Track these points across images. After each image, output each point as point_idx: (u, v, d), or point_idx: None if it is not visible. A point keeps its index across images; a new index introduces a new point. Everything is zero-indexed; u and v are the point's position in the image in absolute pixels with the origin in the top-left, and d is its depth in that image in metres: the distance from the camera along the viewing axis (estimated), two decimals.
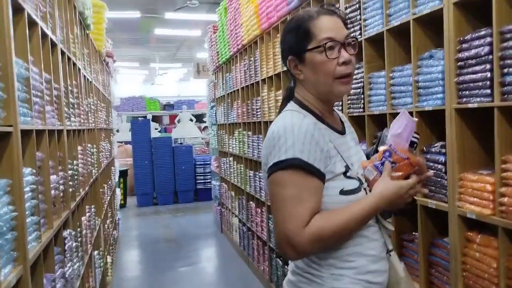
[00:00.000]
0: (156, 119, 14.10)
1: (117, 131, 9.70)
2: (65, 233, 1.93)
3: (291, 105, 1.22)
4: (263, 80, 3.95)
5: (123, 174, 8.39)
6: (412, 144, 1.21)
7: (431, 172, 1.23)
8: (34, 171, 1.48)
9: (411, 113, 1.97)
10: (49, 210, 1.67)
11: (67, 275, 1.88)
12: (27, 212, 1.34)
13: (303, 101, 1.22)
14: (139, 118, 12.00)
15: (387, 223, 1.22)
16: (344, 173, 1.15)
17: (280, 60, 3.36)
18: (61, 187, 1.94)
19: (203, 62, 10.23)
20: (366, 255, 1.16)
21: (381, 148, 1.21)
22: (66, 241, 1.92)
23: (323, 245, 1.11)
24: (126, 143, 10.28)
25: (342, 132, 1.25)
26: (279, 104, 4.05)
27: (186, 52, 13.30)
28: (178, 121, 11.26)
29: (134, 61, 14.62)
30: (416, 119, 1.23)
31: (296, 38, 1.18)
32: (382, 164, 1.17)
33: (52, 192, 1.74)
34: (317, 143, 1.10)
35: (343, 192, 1.13)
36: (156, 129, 11.55)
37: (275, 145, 1.11)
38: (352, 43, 1.19)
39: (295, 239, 1.06)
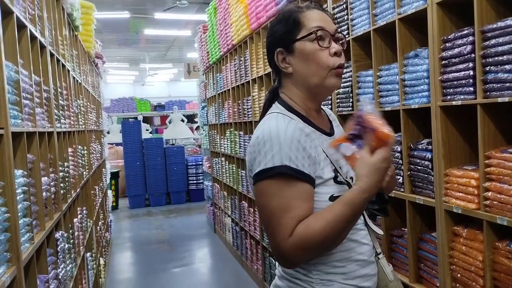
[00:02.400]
0: (147, 120, 14.07)
1: (108, 132, 9.66)
2: (57, 235, 1.94)
3: (276, 106, 1.17)
4: (254, 80, 3.97)
5: (114, 175, 8.36)
6: None
7: None
8: (26, 173, 1.49)
9: (398, 111, 2.01)
10: (41, 212, 1.67)
11: (60, 276, 1.89)
12: (19, 214, 1.35)
13: (289, 102, 1.16)
14: (130, 119, 11.96)
15: (376, 227, 1.20)
16: (334, 178, 1.10)
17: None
18: (53, 189, 1.94)
19: (194, 62, 10.21)
20: (356, 260, 1.13)
21: (350, 122, 1.11)
22: (58, 243, 1.93)
23: (312, 252, 1.05)
24: (117, 144, 10.24)
25: (330, 133, 1.19)
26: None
27: (176, 52, 13.28)
28: (169, 122, 11.24)
29: (124, 61, 14.57)
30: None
31: (285, 28, 1.13)
32: (356, 136, 1.08)
33: (44, 194, 1.75)
34: (304, 148, 1.05)
35: (332, 198, 1.08)
36: (147, 130, 11.52)
37: (260, 150, 1.05)
38: (341, 39, 1.16)
39: (282, 250, 1.02)
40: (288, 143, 1.03)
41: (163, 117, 14.56)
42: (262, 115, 1.19)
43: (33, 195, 1.61)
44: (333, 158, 1.12)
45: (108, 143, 8.75)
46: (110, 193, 7.04)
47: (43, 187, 1.73)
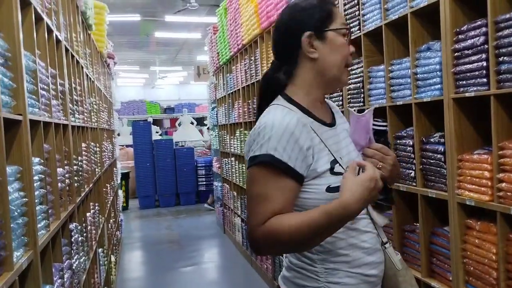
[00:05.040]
0: (157, 122, 14.14)
1: (118, 134, 9.73)
2: (72, 226, 1.96)
3: (278, 99, 1.17)
4: None
5: (125, 176, 8.41)
6: (378, 132, 1.20)
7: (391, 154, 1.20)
8: (42, 161, 1.51)
9: (410, 105, 2.01)
10: (56, 202, 1.70)
11: (74, 267, 1.91)
12: (36, 200, 1.37)
13: (292, 96, 1.17)
14: (140, 122, 12.06)
15: (379, 217, 1.18)
16: (331, 170, 1.10)
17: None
18: (67, 180, 1.97)
19: (203, 64, 10.30)
20: (360, 247, 1.12)
21: None
22: (72, 234, 1.96)
23: (278, 247, 1.06)
24: (127, 146, 10.32)
25: (331, 124, 1.20)
26: None
27: (186, 55, 13.37)
28: (179, 124, 11.30)
29: (134, 64, 14.70)
30: (371, 110, 1.19)
31: (320, 14, 1.14)
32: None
33: (59, 184, 1.77)
34: (296, 141, 1.06)
35: (329, 189, 1.09)
36: (157, 132, 11.59)
37: (255, 139, 1.08)
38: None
39: (252, 236, 1.05)
40: (279, 134, 1.05)
41: (172, 120, 14.64)
42: (264, 105, 1.19)
43: (49, 184, 1.64)
44: (333, 149, 1.13)
45: (119, 145, 8.82)
46: (120, 193, 7.09)
47: (58, 178, 1.75)
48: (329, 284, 1.10)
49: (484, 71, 1.60)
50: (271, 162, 1.04)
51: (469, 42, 1.66)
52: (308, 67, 1.16)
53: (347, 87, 2.54)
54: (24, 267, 1.20)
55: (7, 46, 1.24)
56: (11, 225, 1.13)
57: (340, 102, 2.64)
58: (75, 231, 2.02)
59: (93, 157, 3.14)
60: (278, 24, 1.20)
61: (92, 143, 3.17)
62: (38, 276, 1.31)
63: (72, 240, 1.96)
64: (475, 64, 1.64)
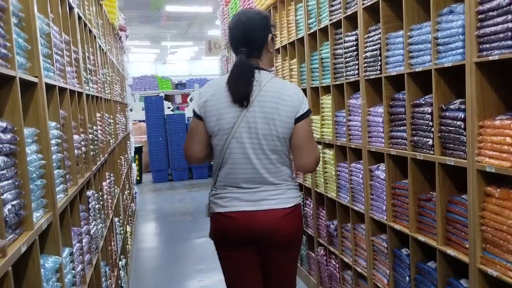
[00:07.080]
0: (168, 98, 14.14)
1: (131, 110, 9.76)
2: (89, 193, 1.98)
3: (272, 74, 1.82)
4: (277, 49, 3.92)
5: (138, 150, 8.49)
6: None
7: None
8: (59, 126, 1.51)
9: (429, 72, 1.95)
10: (73, 167, 1.71)
11: (92, 233, 1.94)
12: (53, 164, 1.38)
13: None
14: (152, 97, 12.06)
15: None
16: None
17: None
18: (83, 148, 1.98)
19: (215, 39, 10.19)
20: None
21: None
22: (89, 200, 1.98)
23: None
24: (140, 121, 10.37)
25: None
26: (293, 73, 4.05)
27: (197, 30, 13.23)
28: (191, 100, 11.28)
29: (145, 39, 14.61)
30: None
31: (272, 23, 1.84)
32: None
33: (75, 151, 1.78)
34: None
35: None
36: (168, 108, 11.59)
37: (303, 97, 1.78)
38: None
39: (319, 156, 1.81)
40: None
41: (184, 95, 14.62)
42: (251, 75, 1.72)
43: (66, 150, 1.65)
44: None
45: (132, 120, 8.86)
46: (134, 166, 7.17)
47: (74, 144, 1.76)
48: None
49: (510, 33, 1.53)
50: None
51: (495, 2, 1.59)
52: (267, 57, 1.82)
53: (363, 55, 2.48)
54: (44, 228, 1.21)
55: (21, 6, 1.22)
56: (30, 186, 1.14)
57: (356, 71, 2.58)
58: (92, 198, 2.04)
59: (107, 128, 3.15)
60: (253, 25, 1.76)
61: (106, 114, 3.18)
62: (58, 238, 1.33)
63: (90, 206, 1.98)
64: (500, 26, 1.57)
